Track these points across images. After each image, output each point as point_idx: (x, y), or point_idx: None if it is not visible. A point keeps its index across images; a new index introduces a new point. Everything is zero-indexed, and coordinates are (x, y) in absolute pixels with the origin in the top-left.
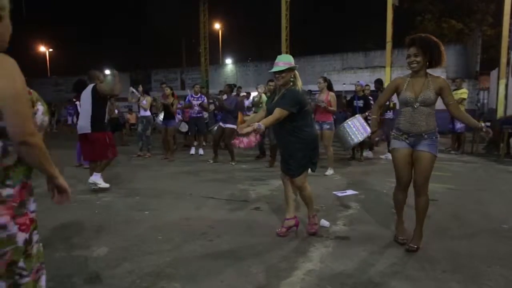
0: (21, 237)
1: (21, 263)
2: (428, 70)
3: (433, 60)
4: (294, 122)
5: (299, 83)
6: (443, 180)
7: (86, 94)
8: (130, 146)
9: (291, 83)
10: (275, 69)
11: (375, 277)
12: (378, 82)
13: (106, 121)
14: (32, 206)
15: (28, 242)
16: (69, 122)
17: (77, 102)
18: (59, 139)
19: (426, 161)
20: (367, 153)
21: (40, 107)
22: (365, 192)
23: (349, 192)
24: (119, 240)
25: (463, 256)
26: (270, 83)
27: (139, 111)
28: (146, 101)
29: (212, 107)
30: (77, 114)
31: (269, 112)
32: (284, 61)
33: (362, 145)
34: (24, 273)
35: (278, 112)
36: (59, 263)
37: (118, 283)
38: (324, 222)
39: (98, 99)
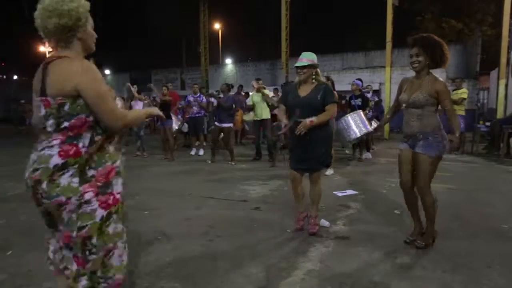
0: (100, 213)
1: (94, 240)
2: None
3: (435, 60)
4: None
5: (321, 80)
6: (443, 180)
7: None
8: (129, 146)
9: (313, 80)
10: (298, 64)
11: (375, 277)
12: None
13: None
14: (119, 187)
15: (105, 219)
16: None
17: None
18: None
19: (421, 163)
20: (366, 155)
21: (119, 102)
22: (365, 192)
23: (349, 192)
24: None
25: (463, 256)
26: (259, 82)
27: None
28: (139, 99)
29: (212, 99)
30: None
31: (297, 105)
32: (308, 58)
33: (362, 144)
34: (94, 250)
35: (332, 108)
36: None
37: None
38: (324, 222)
39: None
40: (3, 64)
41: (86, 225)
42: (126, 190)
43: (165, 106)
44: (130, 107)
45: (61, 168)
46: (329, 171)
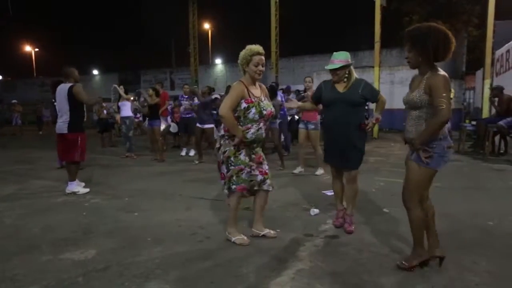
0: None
1: (232, 158)
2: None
3: (424, 53)
4: (360, 111)
5: (353, 77)
6: None
7: (62, 95)
8: (118, 147)
9: (345, 79)
10: (329, 67)
11: (364, 275)
12: None
13: (84, 121)
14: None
15: (236, 150)
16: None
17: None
18: (52, 140)
19: (409, 171)
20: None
21: (253, 109)
22: None
23: None
24: (107, 242)
25: (450, 253)
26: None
27: (119, 112)
28: (126, 100)
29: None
30: (54, 115)
31: (337, 100)
32: (340, 58)
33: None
34: (232, 164)
35: (383, 96)
36: (45, 266)
37: (106, 286)
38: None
39: (74, 100)
40: None
41: (226, 150)
42: (116, 190)
43: (153, 107)
44: (118, 108)
45: (223, 136)
46: (319, 171)
